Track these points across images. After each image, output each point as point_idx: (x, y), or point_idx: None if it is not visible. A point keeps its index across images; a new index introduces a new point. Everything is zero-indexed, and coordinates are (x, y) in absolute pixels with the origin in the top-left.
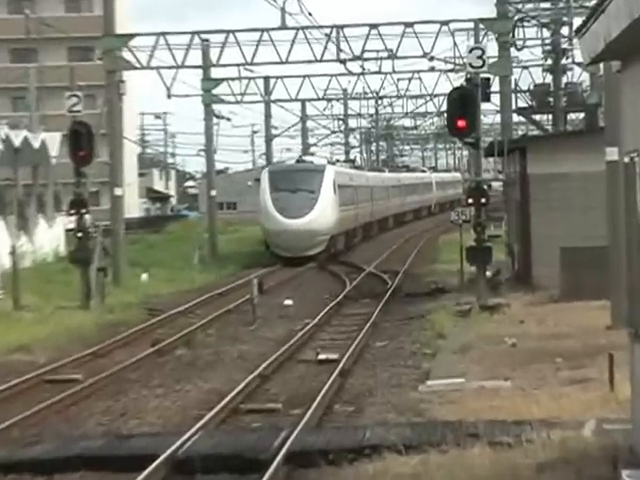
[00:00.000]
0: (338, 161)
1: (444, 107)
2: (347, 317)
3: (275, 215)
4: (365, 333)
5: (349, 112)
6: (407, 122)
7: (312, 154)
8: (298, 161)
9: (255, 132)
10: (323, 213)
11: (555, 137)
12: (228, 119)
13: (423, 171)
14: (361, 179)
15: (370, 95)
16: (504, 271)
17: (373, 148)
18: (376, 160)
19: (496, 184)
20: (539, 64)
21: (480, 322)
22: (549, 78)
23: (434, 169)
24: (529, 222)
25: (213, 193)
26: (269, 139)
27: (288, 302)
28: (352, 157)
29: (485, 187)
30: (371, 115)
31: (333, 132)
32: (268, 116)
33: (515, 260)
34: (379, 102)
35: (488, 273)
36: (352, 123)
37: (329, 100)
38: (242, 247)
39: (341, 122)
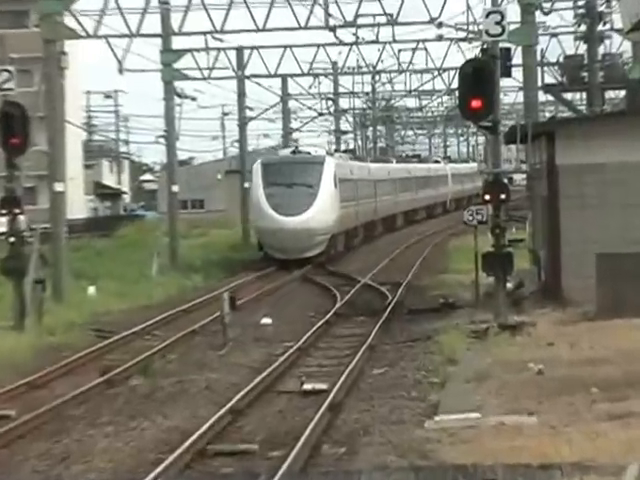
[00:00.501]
0: (337, 151)
1: (455, 84)
2: (338, 338)
3: (269, 212)
4: (360, 358)
5: (340, 90)
6: (410, 102)
7: (293, 143)
8: (294, 152)
9: (226, 114)
10: (323, 210)
11: (590, 120)
12: (193, 99)
13: (437, 161)
14: (363, 172)
15: (365, 70)
16: (528, 283)
17: (369, 134)
18: (373, 148)
19: (518, 177)
20: (570, 31)
21: (499, 344)
22: (582, 48)
23: (449, 159)
24: (558, 223)
25: (175, 189)
26: (243, 123)
27: (266, 321)
28: (350, 146)
29: (505, 181)
30: (367, 94)
31: (320, 114)
32: (242, 95)
33: (541, 269)
34: (376, 78)
35: (509, 285)
36: (343, 104)
37: (316, 76)
38: (211, 254)
39: (330, 102)
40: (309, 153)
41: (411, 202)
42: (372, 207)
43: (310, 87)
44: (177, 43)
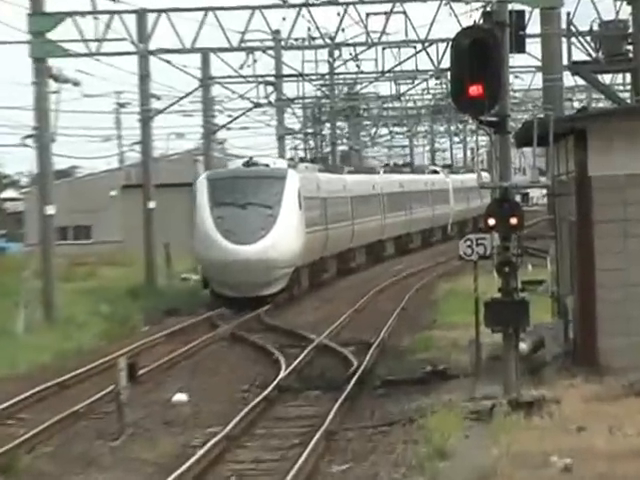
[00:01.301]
0: (302, 160)
1: (446, 62)
2: (282, 422)
3: (217, 240)
4: (312, 450)
5: (284, 71)
6: (384, 88)
7: (218, 147)
8: (248, 164)
9: (122, 106)
10: (285, 237)
11: (636, 112)
12: (76, 83)
13: (435, 172)
14: (336, 186)
15: (320, 42)
16: (550, 342)
17: (326, 132)
18: (331, 152)
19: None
20: None
21: (510, 430)
22: (626, 11)
23: (450, 169)
24: (592, 258)
25: (50, 211)
26: (147, 117)
27: (180, 397)
28: (299, 152)
29: (517, 199)
30: (322, 76)
31: (257, 105)
32: (145, 78)
33: (569, 323)
34: (335, 54)
35: (522, 346)
36: (289, 90)
37: (250, 51)
38: (101, 303)
39: (271, 89)
40: (267, 165)
41: (405, 225)
42: (348, 231)
43: (242, 67)
44: (52, 4)
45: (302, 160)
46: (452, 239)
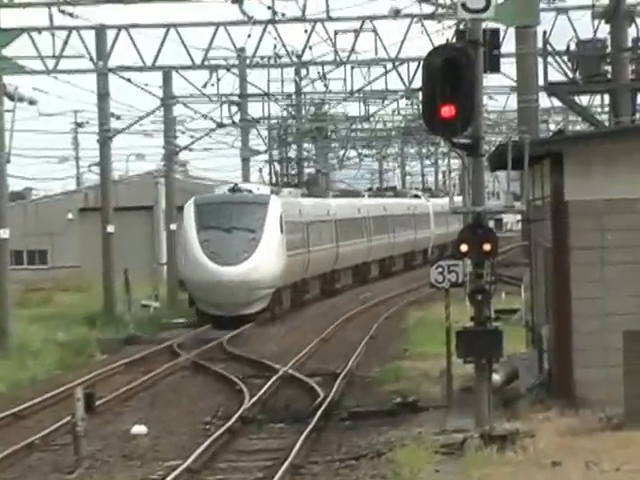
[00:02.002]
0: (287, 185)
1: (417, 82)
2: (245, 455)
3: (203, 262)
4: None
5: (249, 91)
6: (353, 109)
7: (180, 168)
8: (233, 190)
9: (80, 125)
10: (267, 259)
11: (615, 135)
12: (32, 102)
13: (416, 196)
14: (320, 210)
15: (287, 60)
16: (524, 374)
17: (292, 154)
18: (297, 175)
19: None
20: (586, 4)
21: (482, 464)
22: (604, 30)
23: (430, 193)
24: (568, 287)
25: (4, 234)
26: (106, 137)
27: (139, 429)
28: (264, 174)
29: (491, 224)
30: (289, 96)
31: (220, 125)
32: (104, 97)
33: (544, 354)
34: (302, 73)
35: (496, 377)
36: (254, 110)
37: (213, 69)
38: (57, 331)
39: (235, 108)
40: (251, 191)
41: (388, 248)
42: (332, 254)
43: (205, 86)
44: (8, 19)
45: (286, 185)
46: (431, 263)
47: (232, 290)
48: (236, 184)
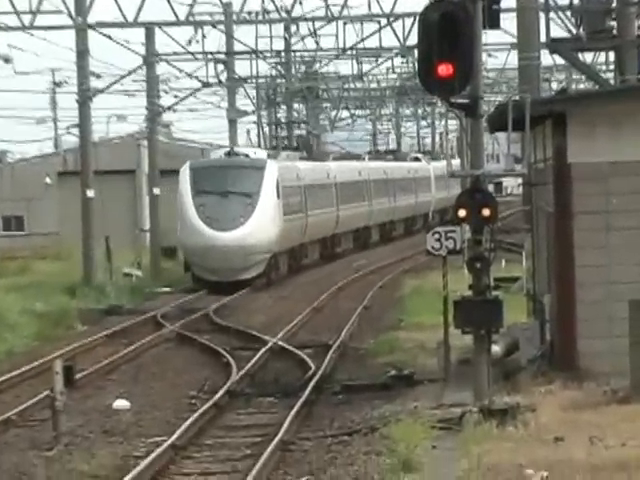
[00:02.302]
0: (286, 148)
1: (413, 39)
2: (233, 431)
3: (199, 227)
4: (266, 462)
5: (236, 48)
6: (345, 67)
7: (163, 129)
8: (229, 154)
9: (58, 84)
10: (263, 224)
11: (621, 94)
12: (7, 60)
13: (416, 159)
14: (319, 174)
15: (276, 16)
16: (525, 345)
17: (281, 115)
18: (287, 137)
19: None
20: None
21: (482, 440)
22: None
23: (430, 156)
24: (571, 254)
25: None
26: (86, 97)
27: (122, 404)
28: (252, 135)
29: (490, 188)
30: (278, 54)
31: (206, 85)
32: (83, 53)
33: (546, 324)
34: (292, 29)
35: (495, 348)
36: (241, 69)
37: (198, 25)
38: (35, 301)
39: (221, 67)
40: (247, 155)
41: (390, 212)
42: (332, 219)
43: (190, 43)
44: None
45: (285, 148)
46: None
47: (228, 255)
48: (232, 148)
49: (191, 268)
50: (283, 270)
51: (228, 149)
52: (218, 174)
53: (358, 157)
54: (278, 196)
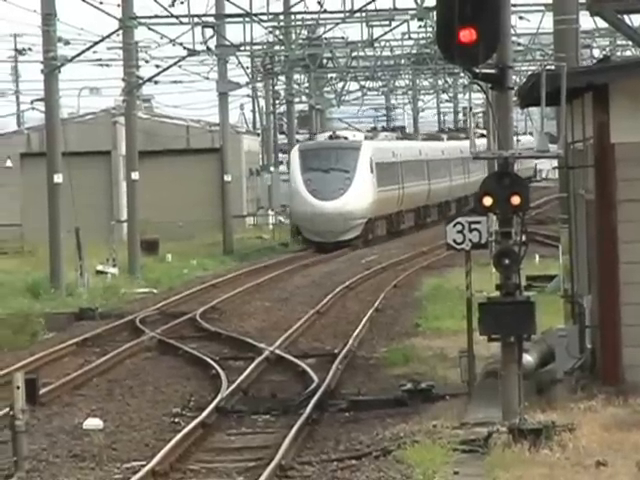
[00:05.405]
0: (384, 130)
1: (431, 0)
2: (223, 454)
3: (307, 197)
4: None
5: (227, 10)
6: (353, 33)
7: (145, 104)
8: (331, 137)
9: (21, 52)
10: (358, 195)
11: None
12: None
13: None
14: (410, 152)
15: None
16: (562, 355)
17: (280, 88)
18: (287, 114)
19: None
20: None
21: (511, 465)
22: None
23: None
24: (615, 249)
25: None
26: (52, 67)
27: (93, 423)
28: (246, 112)
29: (519, 173)
30: (276, 17)
31: (192, 53)
32: (49, 16)
33: (586, 331)
34: None
35: (528, 359)
36: (233, 34)
37: None
38: None
39: (210, 32)
40: (346, 138)
41: (464, 187)
42: (424, 191)
43: (173, 4)
44: None
45: (384, 129)
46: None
47: (330, 220)
48: (334, 131)
49: (301, 232)
50: (381, 233)
51: (330, 133)
52: (322, 154)
53: (439, 137)
54: (372, 171)
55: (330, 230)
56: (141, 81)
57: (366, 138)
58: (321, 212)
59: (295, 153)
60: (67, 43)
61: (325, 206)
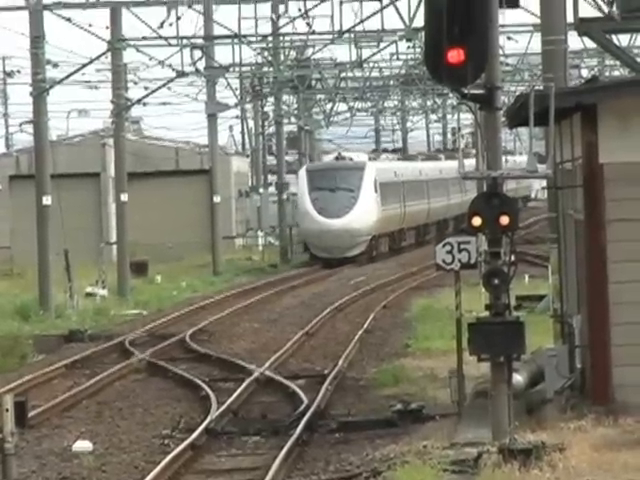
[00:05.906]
0: (385, 151)
1: (420, 20)
2: (213, 476)
3: (314, 215)
4: None
5: (215, 31)
6: (342, 53)
7: (133, 126)
8: (337, 158)
9: (10, 74)
10: (363, 213)
11: None
12: None
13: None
14: (411, 172)
15: None
16: (552, 374)
17: (269, 109)
18: (275, 134)
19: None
20: None
21: None
22: None
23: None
24: (604, 268)
25: None
26: (41, 89)
27: (82, 446)
28: (235, 133)
29: (507, 192)
30: (264, 38)
31: (181, 74)
32: (38, 38)
33: (576, 350)
34: (281, 10)
35: (518, 378)
36: (222, 56)
37: (171, 5)
38: None
39: (198, 53)
40: (351, 159)
41: (462, 205)
42: (424, 210)
43: (162, 26)
44: None
45: (385, 151)
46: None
47: (336, 237)
48: (339, 153)
49: (309, 248)
50: (384, 249)
51: (337, 154)
52: (328, 174)
53: (437, 157)
54: (375, 190)
55: (337, 246)
56: (130, 103)
57: (370, 159)
58: (328, 229)
59: (303, 173)
60: (56, 65)
61: (332, 224)
